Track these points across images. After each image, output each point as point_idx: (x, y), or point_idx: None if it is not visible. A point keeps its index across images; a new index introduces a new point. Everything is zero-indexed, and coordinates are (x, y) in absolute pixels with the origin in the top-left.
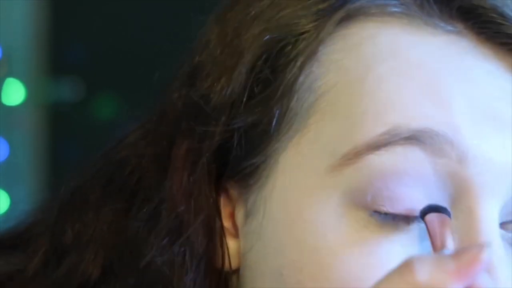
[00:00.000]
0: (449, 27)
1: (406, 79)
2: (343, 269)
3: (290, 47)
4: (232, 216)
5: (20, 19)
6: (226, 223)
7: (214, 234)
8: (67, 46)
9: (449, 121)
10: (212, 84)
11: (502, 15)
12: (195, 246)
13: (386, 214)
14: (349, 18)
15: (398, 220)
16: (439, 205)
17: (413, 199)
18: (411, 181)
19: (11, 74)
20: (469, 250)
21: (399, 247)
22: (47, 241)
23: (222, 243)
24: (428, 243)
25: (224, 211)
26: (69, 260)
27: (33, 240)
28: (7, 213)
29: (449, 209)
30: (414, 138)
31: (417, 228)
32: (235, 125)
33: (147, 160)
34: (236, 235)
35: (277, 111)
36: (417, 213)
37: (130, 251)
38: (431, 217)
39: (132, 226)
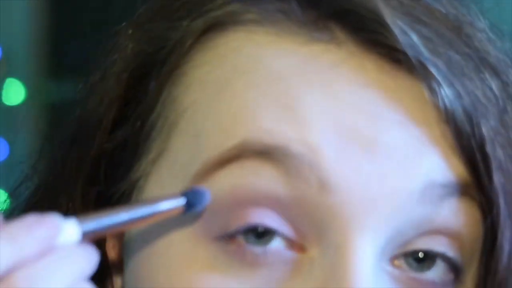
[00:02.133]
0: (323, 36)
1: (263, 93)
2: None
3: (152, 63)
4: (120, 251)
5: (20, 19)
6: (115, 259)
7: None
8: (67, 46)
9: (306, 140)
10: (94, 105)
11: (379, 21)
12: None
13: (238, 251)
14: (214, 28)
15: (254, 259)
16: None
17: (271, 228)
18: (264, 201)
19: (11, 74)
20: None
21: (244, 284)
22: None
23: (107, 280)
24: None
25: (110, 243)
26: None
27: None
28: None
29: None
30: (265, 153)
31: (275, 268)
32: (100, 150)
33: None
34: (120, 271)
35: (140, 133)
36: (279, 249)
37: None
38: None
39: None
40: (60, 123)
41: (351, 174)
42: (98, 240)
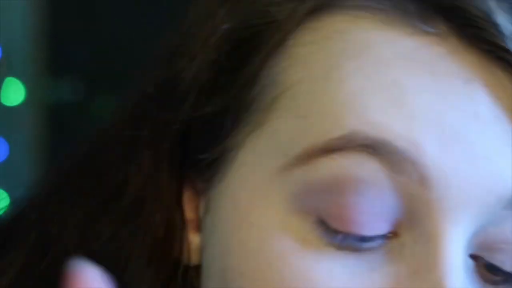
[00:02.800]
0: (429, 28)
1: (371, 81)
2: (280, 284)
3: (258, 36)
4: (197, 209)
5: (20, 19)
6: (191, 216)
7: (172, 225)
8: (67, 46)
9: (411, 135)
10: (181, 68)
11: (486, 18)
12: (151, 234)
13: (335, 231)
14: (321, 9)
15: (349, 240)
16: None
17: (369, 213)
18: (366, 191)
19: (11, 74)
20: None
21: (340, 267)
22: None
23: (182, 236)
24: (382, 271)
25: (190, 203)
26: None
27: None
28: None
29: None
30: (371, 147)
31: (370, 250)
32: (196, 113)
33: (112, 141)
34: (198, 229)
35: (239, 103)
36: (374, 232)
37: (82, 232)
38: None
39: (91, 206)
40: (60, 123)
41: (450, 172)
42: (169, 194)
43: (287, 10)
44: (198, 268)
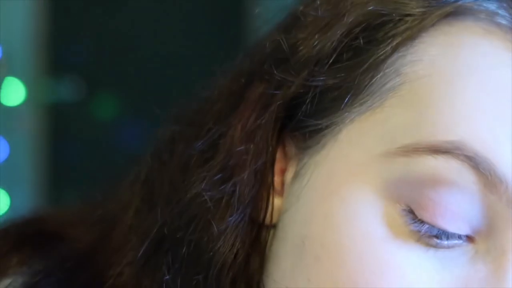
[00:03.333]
0: None
1: (490, 100)
2: (359, 262)
3: (391, 24)
4: (283, 173)
5: (20, 19)
6: (276, 178)
7: (264, 184)
8: (67, 46)
9: (509, 160)
10: (305, 36)
11: None
12: (245, 190)
13: (421, 221)
14: (456, 15)
15: (431, 233)
16: None
17: (456, 212)
18: (459, 196)
19: (11, 74)
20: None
21: (416, 258)
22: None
23: (269, 196)
24: (458, 271)
25: (277, 166)
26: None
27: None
28: (7, 213)
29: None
30: (474, 161)
31: (446, 249)
32: (313, 82)
33: (221, 92)
34: (281, 192)
35: (359, 83)
36: (457, 230)
37: (178, 179)
38: None
39: (188, 154)
40: (60, 123)
41: None
42: (266, 154)
43: (424, 8)
44: (270, 228)
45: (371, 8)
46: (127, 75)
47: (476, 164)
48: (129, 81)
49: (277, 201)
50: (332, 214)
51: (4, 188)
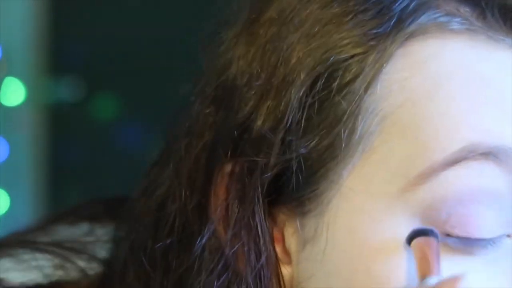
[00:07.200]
0: None
1: (478, 95)
2: None
3: (348, 69)
4: (281, 242)
5: (20, 19)
6: (277, 249)
7: (270, 261)
8: (67, 46)
9: None
10: (255, 109)
11: None
12: (255, 278)
13: (458, 237)
14: (408, 38)
15: (470, 244)
16: (425, 228)
17: (487, 218)
18: (486, 199)
19: (11, 74)
20: (446, 281)
21: (473, 273)
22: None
23: (278, 272)
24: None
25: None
26: None
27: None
28: (7, 213)
29: (436, 232)
30: (491, 154)
31: (491, 251)
32: (291, 153)
33: (184, 195)
34: (289, 262)
35: (343, 135)
36: (491, 234)
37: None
38: (418, 241)
39: (179, 263)
40: (60, 123)
41: None
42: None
43: (374, 42)
44: None
45: (322, 58)
46: (127, 75)
47: (495, 155)
48: (129, 82)
49: (286, 272)
50: (370, 268)
51: (4, 188)
